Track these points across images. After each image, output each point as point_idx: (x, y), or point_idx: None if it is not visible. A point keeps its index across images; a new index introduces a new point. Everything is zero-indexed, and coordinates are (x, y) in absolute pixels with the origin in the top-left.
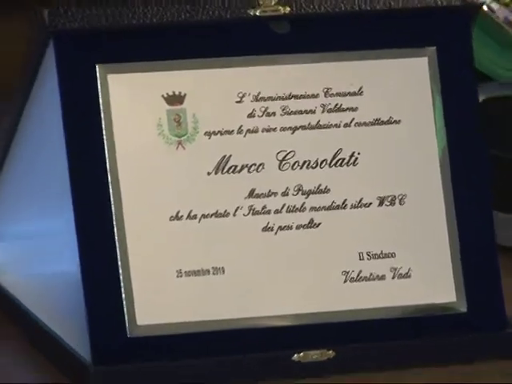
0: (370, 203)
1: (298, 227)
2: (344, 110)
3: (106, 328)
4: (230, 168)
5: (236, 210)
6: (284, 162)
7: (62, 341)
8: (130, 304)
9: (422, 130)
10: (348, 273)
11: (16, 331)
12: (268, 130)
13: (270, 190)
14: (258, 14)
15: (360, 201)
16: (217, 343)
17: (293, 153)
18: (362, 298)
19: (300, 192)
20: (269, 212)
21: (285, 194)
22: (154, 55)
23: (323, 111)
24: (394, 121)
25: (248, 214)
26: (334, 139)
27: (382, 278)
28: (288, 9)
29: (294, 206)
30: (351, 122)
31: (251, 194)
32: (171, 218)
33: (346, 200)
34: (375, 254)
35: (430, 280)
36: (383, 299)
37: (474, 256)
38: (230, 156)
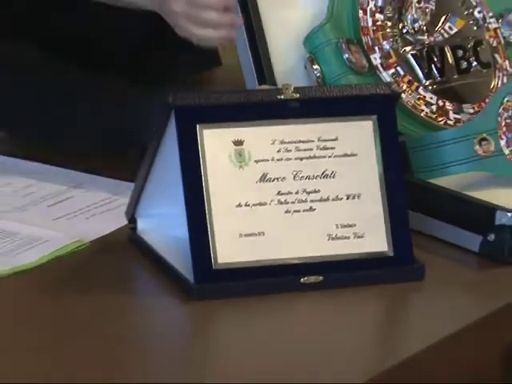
0: (342, 197)
1: (304, 211)
2: (328, 149)
3: (202, 265)
4: (267, 179)
5: (270, 202)
6: (296, 176)
7: (180, 272)
8: (215, 251)
9: (370, 159)
10: (330, 235)
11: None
12: (287, 159)
13: (288, 191)
14: (282, 97)
15: (337, 196)
16: (261, 272)
17: (301, 171)
18: (337, 248)
19: (305, 192)
20: (287, 202)
21: (296, 193)
22: (228, 118)
23: (317, 149)
24: (355, 154)
25: (276, 203)
26: (323, 164)
27: (348, 238)
28: (298, 95)
29: (301, 200)
30: (332, 155)
31: (278, 193)
32: (236, 206)
33: (329, 196)
34: (345, 225)
35: (374, 239)
36: (349, 249)
37: (396, 226)
38: (267, 173)
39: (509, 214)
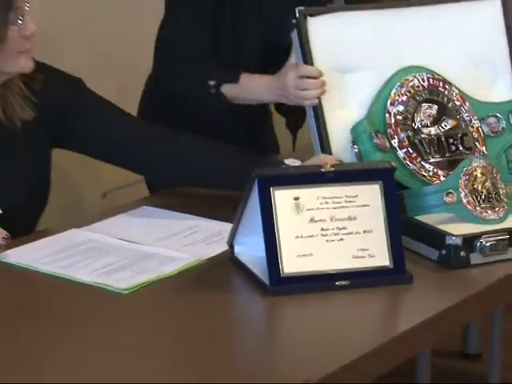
0: (360, 232)
1: (337, 240)
2: (351, 202)
3: (274, 274)
4: (314, 221)
5: (316, 235)
6: (332, 219)
7: (261, 278)
8: (282, 266)
9: (378, 208)
10: (354, 255)
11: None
12: (326, 208)
13: (327, 228)
14: (323, 170)
15: (357, 231)
16: (310, 278)
17: (334, 216)
18: (358, 264)
19: (337, 228)
20: (326, 235)
21: (332, 229)
22: (290, 183)
23: (344, 202)
24: (368, 205)
25: (320, 236)
26: (348, 211)
27: (364, 257)
28: (333, 169)
29: (335, 233)
30: (353, 205)
31: (321, 229)
32: (295, 237)
33: (352, 231)
34: (362, 249)
35: (381, 258)
36: (365, 264)
37: (394, 249)
38: (314, 217)
39: (453, 238)
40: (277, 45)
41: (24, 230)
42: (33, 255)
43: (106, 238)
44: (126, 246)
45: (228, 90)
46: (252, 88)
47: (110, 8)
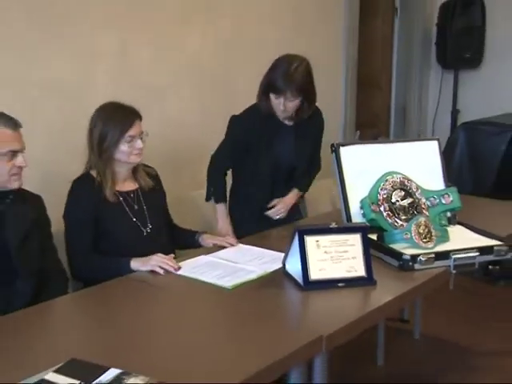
0: (350, 258)
1: (338, 262)
2: (346, 245)
3: (305, 279)
4: (326, 252)
5: (327, 259)
6: (335, 252)
7: (299, 282)
8: (309, 275)
9: (359, 247)
10: (347, 270)
11: (291, 281)
12: (332, 247)
13: (334, 257)
14: (331, 226)
15: (348, 258)
16: (324, 282)
17: (338, 251)
18: (348, 274)
19: (339, 257)
20: (333, 259)
21: (336, 258)
22: (315, 233)
23: (342, 245)
24: (354, 245)
25: (329, 259)
26: (345, 248)
27: (351, 271)
28: (337, 226)
29: (337, 258)
30: (347, 245)
31: (331, 258)
32: (318, 260)
33: (347, 257)
34: (351, 266)
35: (360, 271)
36: (352, 274)
37: (367, 266)
38: (326, 251)
39: (406, 255)
40: (281, 163)
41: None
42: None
43: (219, 260)
44: (230, 264)
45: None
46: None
47: None
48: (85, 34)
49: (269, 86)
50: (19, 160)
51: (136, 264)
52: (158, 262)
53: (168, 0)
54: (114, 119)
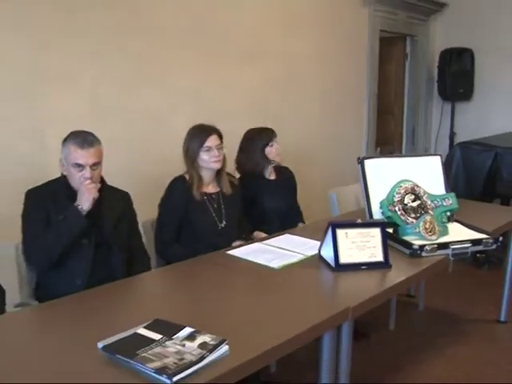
0: (371, 247)
1: (362, 249)
2: (370, 236)
3: (336, 262)
4: (353, 242)
5: (354, 247)
6: (361, 241)
7: (331, 265)
8: (339, 258)
9: (378, 238)
10: (369, 255)
11: (325, 263)
12: (358, 237)
13: (359, 244)
14: (359, 221)
15: (370, 246)
16: (352, 265)
17: (362, 240)
18: (370, 259)
19: (364, 246)
20: (359, 247)
21: (362, 245)
22: (345, 226)
23: (367, 236)
24: (375, 236)
25: (355, 247)
26: (368, 239)
27: (373, 256)
28: (361, 221)
29: (362, 247)
30: (370, 236)
31: (357, 246)
32: (347, 249)
33: (369, 246)
34: (372, 253)
35: (379, 257)
36: (373, 259)
37: (384, 252)
38: (353, 240)
39: (415, 245)
40: (280, 206)
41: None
42: (240, 252)
43: (269, 246)
44: (277, 250)
45: None
46: None
47: None
48: (171, 74)
49: None
50: (85, 172)
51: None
52: None
53: (231, 48)
54: (195, 134)
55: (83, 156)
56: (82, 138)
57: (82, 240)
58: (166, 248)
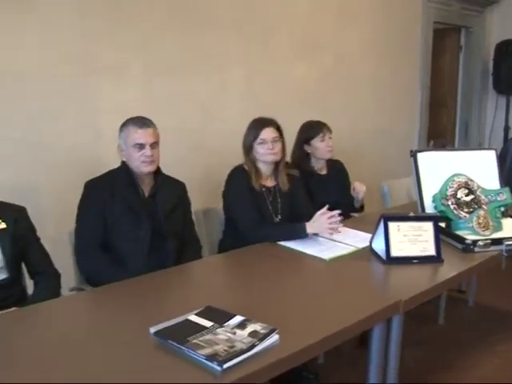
0: (423, 241)
1: (414, 243)
2: (422, 230)
3: (388, 255)
4: (405, 235)
5: (405, 241)
6: (413, 234)
7: (382, 258)
8: (391, 251)
9: (431, 230)
10: (420, 249)
11: (375, 255)
12: (410, 230)
13: (411, 238)
14: (411, 214)
15: (422, 240)
16: (402, 258)
17: (413, 234)
18: (422, 252)
19: (416, 239)
20: (411, 240)
21: (413, 238)
22: (396, 220)
23: (418, 230)
24: (427, 230)
25: (407, 240)
26: (420, 232)
27: (425, 250)
28: (413, 215)
29: (413, 240)
30: (422, 229)
31: (408, 239)
32: (398, 242)
33: (421, 240)
34: (424, 247)
35: (431, 251)
36: (426, 253)
37: (437, 247)
38: (404, 234)
39: (468, 240)
40: (334, 200)
41: None
42: (292, 242)
43: (321, 238)
44: (328, 241)
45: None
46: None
47: None
48: (222, 65)
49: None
50: (146, 151)
51: (311, 229)
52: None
53: (283, 41)
54: (252, 126)
55: (143, 135)
56: (140, 120)
57: (139, 232)
58: (256, 228)
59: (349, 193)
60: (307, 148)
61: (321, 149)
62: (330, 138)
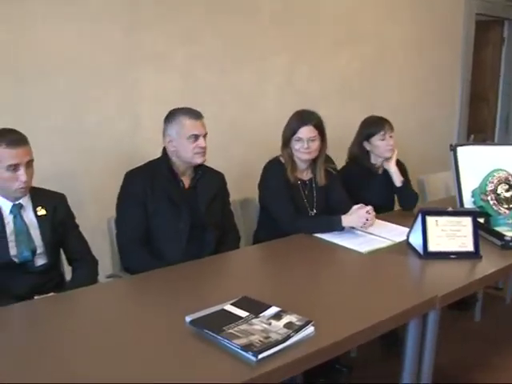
0: (461, 236)
1: (452, 238)
2: (460, 225)
3: (425, 250)
4: (443, 230)
5: (443, 235)
6: (451, 229)
7: (420, 252)
8: (428, 246)
9: (469, 225)
10: (459, 245)
11: (412, 249)
12: (448, 225)
13: (449, 233)
14: (450, 209)
15: (460, 236)
16: (438, 253)
17: (451, 229)
18: (460, 248)
19: (454, 234)
20: (449, 235)
21: (452, 234)
22: (434, 214)
23: (457, 225)
24: (466, 225)
25: (445, 235)
26: (458, 227)
27: (463, 246)
28: (452, 210)
29: (451, 235)
30: (460, 225)
31: (446, 234)
32: (436, 236)
33: (459, 235)
34: (462, 243)
35: (469, 247)
36: (463, 248)
37: (475, 243)
38: (443, 229)
39: (507, 237)
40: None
41: None
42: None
43: (359, 231)
44: (366, 234)
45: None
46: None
47: None
48: (264, 56)
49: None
50: (200, 142)
51: (347, 222)
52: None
53: (323, 31)
54: (293, 121)
55: (198, 126)
56: (193, 111)
57: (178, 224)
58: (293, 220)
59: (410, 186)
60: (366, 145)
61: (380, 147)
62: (390, 136)
